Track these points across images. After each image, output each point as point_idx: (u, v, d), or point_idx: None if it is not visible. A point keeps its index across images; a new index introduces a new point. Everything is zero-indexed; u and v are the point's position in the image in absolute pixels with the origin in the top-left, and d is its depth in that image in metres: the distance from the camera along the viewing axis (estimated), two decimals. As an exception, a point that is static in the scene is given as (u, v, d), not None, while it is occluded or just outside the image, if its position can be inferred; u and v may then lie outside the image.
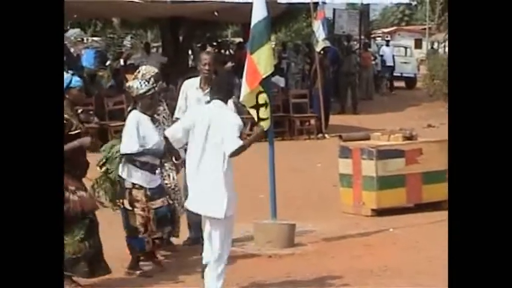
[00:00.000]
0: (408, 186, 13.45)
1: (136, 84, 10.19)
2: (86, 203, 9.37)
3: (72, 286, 9.39)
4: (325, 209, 13.62)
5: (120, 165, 9.98)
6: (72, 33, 28.68)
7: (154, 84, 10.30)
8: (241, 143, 8.55)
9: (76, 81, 9.50)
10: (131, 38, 43.41)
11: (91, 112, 22.95)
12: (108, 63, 31.45)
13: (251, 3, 11.72)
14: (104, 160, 10.16)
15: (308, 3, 25.40)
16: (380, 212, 13.15)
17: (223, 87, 9.03)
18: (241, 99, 11.88)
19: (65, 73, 9.53)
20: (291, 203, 12.52)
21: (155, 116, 10.29)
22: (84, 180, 9.58)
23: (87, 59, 33.14)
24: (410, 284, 9.54)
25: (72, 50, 29.01)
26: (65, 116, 9.09)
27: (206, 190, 8.67)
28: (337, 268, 10.37)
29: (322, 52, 25.61)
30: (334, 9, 35.96)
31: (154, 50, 35.74)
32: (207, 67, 11.28)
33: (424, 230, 12.12)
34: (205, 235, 8.90)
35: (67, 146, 8.99)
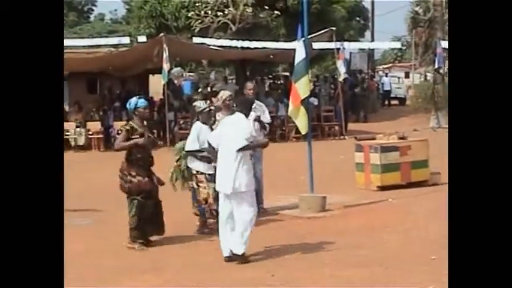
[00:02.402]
0: (401, 171, 13.32)
1: (198, 104, 10.31)
2: (142, 186, 9.31)
3: (140, 245, 9.40)
4: (345, 186, 13.56)
5: (188, 159, 10.02)
6: (175, 70, 28.70)
7: (211, 104, 10.37)
8: (245, 143, 8.29)
9: (141, 102, 9.58)
10: (215, 73, 43.48)
11: (189, 123, 23.21)
12: (200, 90, 31.54)
13: (295, 49, 11.73)
14: (178, 157, 10.21)
15: (333, 49, 25.32)
16: (382, 188, 13.06)
17: (245, 106, 8.75)
18: (288, 113, 11.97)
19: (134, 97, 9.71)
20: (323, 182, 12.46)
21: (212, 126, 10.22)
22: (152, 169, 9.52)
23: (186, 88, 33.36)
24: (403, 236, 9.49)
25: (175, 82, 29.09)
26: (134, 125, 9.32)
27: (224, 174, 8.38)
28: (354, 225, 10.33)
29: (342, 81, 25.63)
30: (350, 53, 35.87)
31: (230, 81, 35.76)
32: (251, 91, 11.31)
33: (412, 200, 12.02)
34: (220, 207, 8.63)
35: (128, 144, 9.25)
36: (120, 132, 9.58)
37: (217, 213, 9.12)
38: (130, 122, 9.47)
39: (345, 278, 7.50)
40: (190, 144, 9.93)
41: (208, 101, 10.52)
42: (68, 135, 23.40)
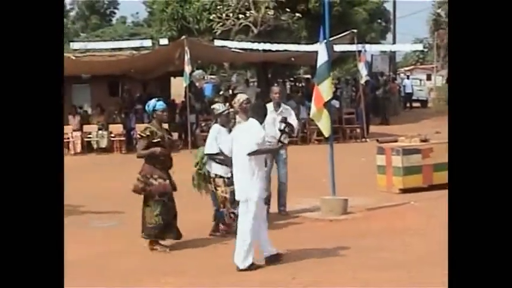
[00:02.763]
0: (423, 173, 13.28)
1: (216, 106, 10.30)
2: (163, 188, 9.29)
3: (156, 246, 9.44)
4: (367, 189, 13.52)
5: (207, 162, 10.00)
6: (197, 73, 28.79)
7: (229, 107, 10.34)
8: (255, 148, 8.14)
9: (160, 105, 9.55)
10: (236, 76, 43.60)
11: (210, 125, 23.30)
12: (221, 93, 31.62)
13: (316, 51, 11.72)
14: (198, 161, 10.19)
15: (354, 51, 25.28)
16: (404, 191, 13.01)
17: (259, 112, 8.55)
18: (310, 115, 11.98)
19: (153, 99, 9.69)
20: (344, 184, 12.43)
21: (231, 128, 10.14)
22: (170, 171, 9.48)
23: (207, 91, 33.49)
24: (425, 239, 9.44)
25: (197, 84, 29.18)
26: (154, 129, 9.32)
27: (238, 181, 8.34)
28: (376, 228, 10.30)
29: (364, 83, 25.57)
30: (372, 55, 35.77)
31: (252, 84, 35.78)
32: (277, 95, 11.35)
33: (434, 202, 11.96)
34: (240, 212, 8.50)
35: (148, 150, 9.25)
36: (139, 137, 9.58)
37: (236, 216, 8.97)
38: (149, 126, 9.49)
39: (367, 281, 7.48)
40: (209, 147, 9.93)
41: (227, 104, 10.52)
42: (90, 137, 23.56)
